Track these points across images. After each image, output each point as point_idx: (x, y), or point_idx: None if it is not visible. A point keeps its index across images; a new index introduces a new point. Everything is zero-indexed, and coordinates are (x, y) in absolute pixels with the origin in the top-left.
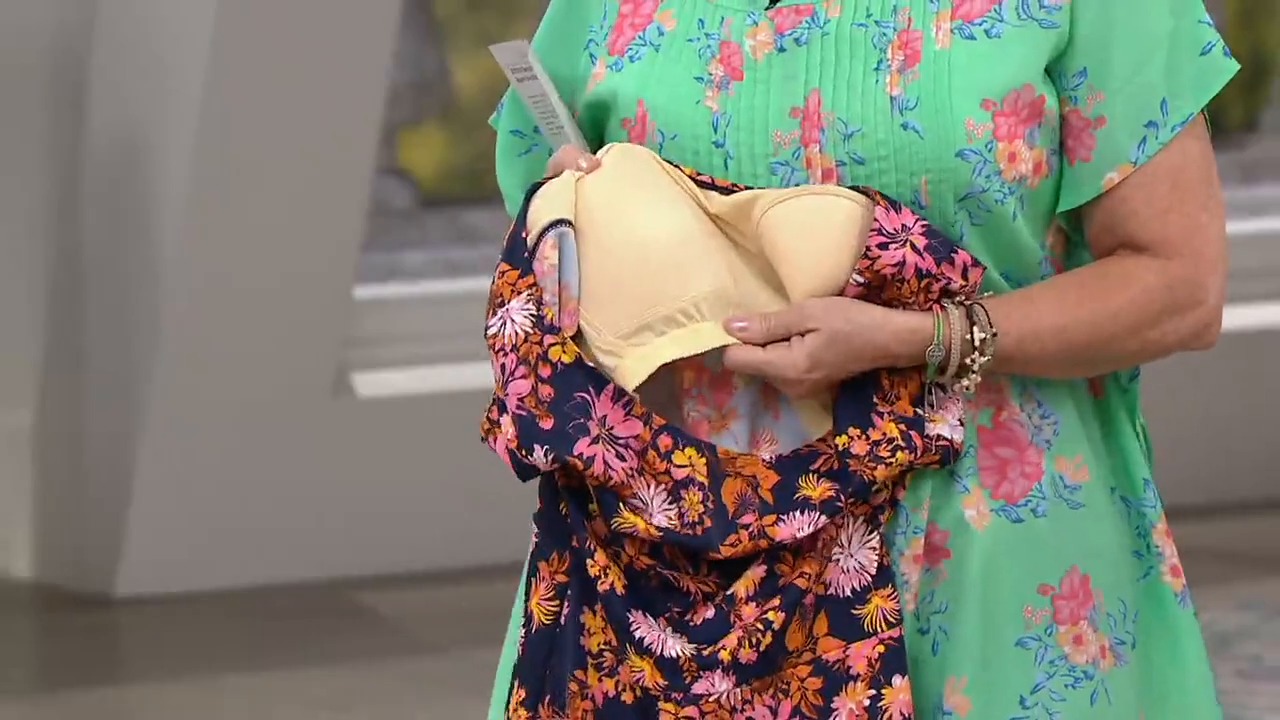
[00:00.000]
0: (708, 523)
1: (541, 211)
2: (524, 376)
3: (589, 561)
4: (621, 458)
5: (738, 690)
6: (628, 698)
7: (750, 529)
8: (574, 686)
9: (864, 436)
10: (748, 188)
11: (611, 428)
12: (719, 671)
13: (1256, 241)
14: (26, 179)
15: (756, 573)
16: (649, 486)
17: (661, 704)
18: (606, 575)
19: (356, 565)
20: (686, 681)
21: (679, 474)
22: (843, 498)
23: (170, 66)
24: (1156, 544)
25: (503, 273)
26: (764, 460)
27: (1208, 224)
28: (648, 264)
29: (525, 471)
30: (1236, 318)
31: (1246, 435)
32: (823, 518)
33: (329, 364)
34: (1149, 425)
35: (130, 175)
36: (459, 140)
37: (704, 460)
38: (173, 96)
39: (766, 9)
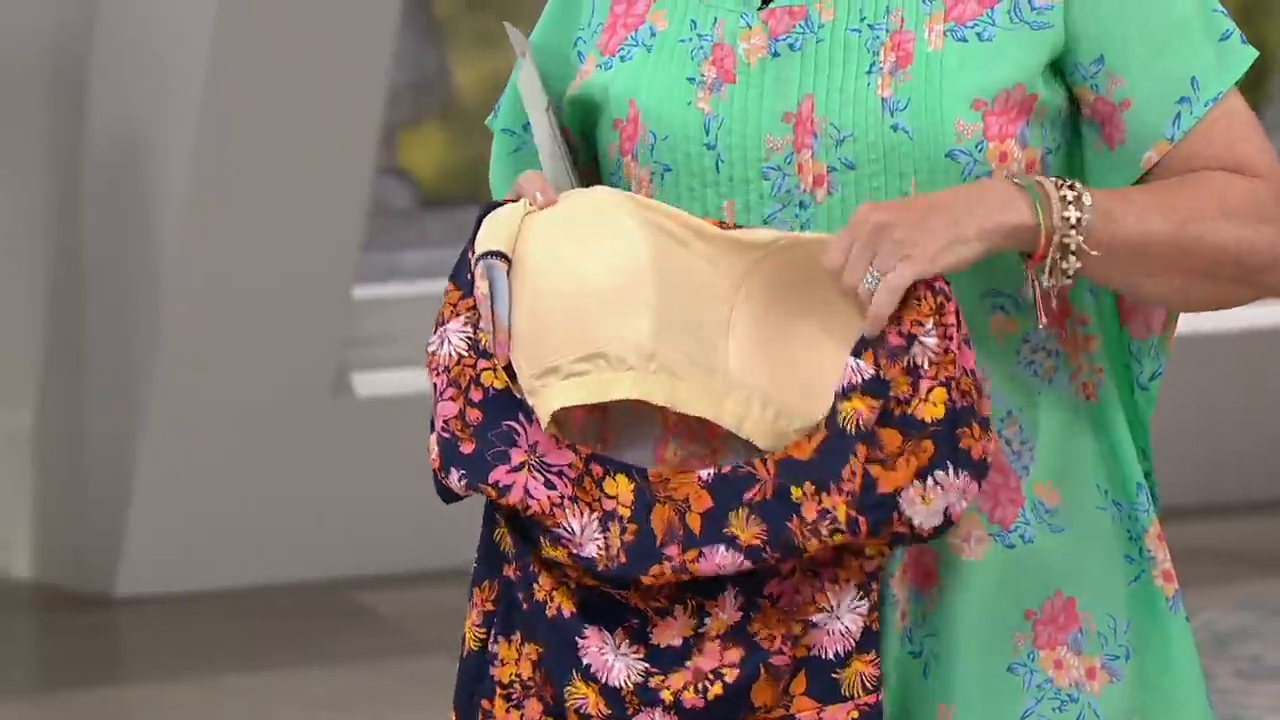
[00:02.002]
0: (622, 559)
1: (484, 238)
2: (452, 399)
3: (535, 586)
4: (551, 485)
5: None
6: None
7: (673, 562)
8: (480, 716)
9: (815, 498)
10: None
11: (543, 455)
12: (659, 710)
13: None
14: (26, 179)
15: (731, 616)
16: (583, 515)
17: None
18: (554, 599)
19: (356, 565)
20: (629, 713)
21: (608, 504)
22: (768, 550)
23: (170, 66)
24: (1149, 548)
25: (447, 291)
26: (699, 479)
27: (1276, 157)
28: (569, 309)
29: (444, 494)
30: (1236, 317)
31: (1245, 435)
32: (745, 561)
33: (329, 364)
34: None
35: (130, 175)
36: (459, 140)
37: (631, 487)
38: (173, 96)
39: (759, 9)
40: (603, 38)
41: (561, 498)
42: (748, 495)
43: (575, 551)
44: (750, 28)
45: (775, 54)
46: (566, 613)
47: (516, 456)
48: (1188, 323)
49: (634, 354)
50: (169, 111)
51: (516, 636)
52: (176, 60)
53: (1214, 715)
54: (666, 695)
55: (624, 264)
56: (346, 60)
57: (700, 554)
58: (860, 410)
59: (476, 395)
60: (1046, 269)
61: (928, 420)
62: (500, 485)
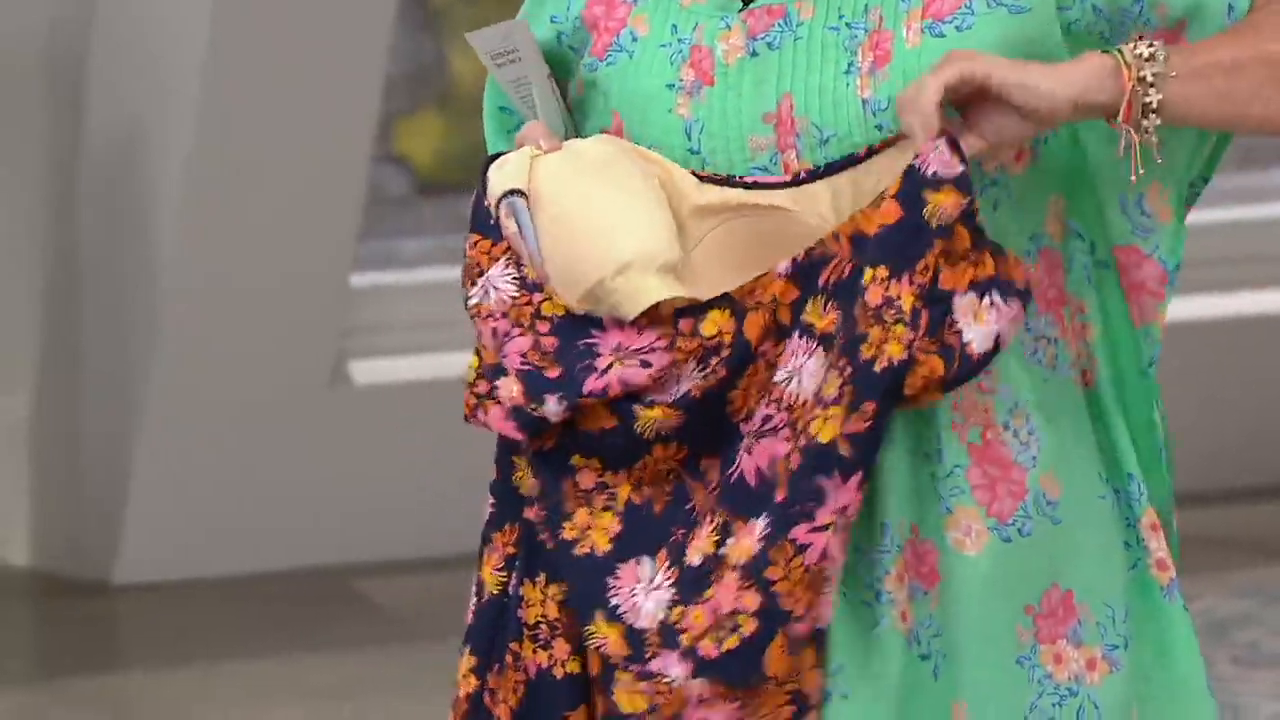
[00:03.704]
0: (721, 372)
1: (496, 183)
2: (521, 335)
3: (565, 524)
4: (647, 364)
5: (695, 682)
6: (558, 672)
7: (765, 357)
8: (509, 657)
9: (884, 284)
10: (734, 179)
11: (629, 347)
12: (676, 654)
13: (1255, 228)
14: (25, 172)
15: (753, 545)
16: (682, 367)
17: (619, 673)
18: (586, 537)
19: (354, 553)
20: (646, 656)
21: (710, 343)
22: (839, 338)
23: (167, 61)
24: (1142, 537)
25: (475, 243)
26: (779, 274)
27: None
28: (591, 231)
29: (533, 427)
30: (1235, 304)
31: (1244, 421)
32: (820, 350)
33: (327, 352)
34: None
35: (128, 168)
36: (456, 128)
37: (726, 313)
38: (170, 90)
39: (739, 10)
40: (592, 38)
41: (660, 369)
42: (823, 279)
43: (668, 405)
44: (729, 28)
45: (754, 53)
46: (599, 551)
47: (603, 362)
48: (1186, 310)
49: (652, 263)
50: (167, 104)
51: (540, 578)
52: (174, 55)
53: (1215, 704)
54: (685, 640)
55: (634, 186)
56: (343, 50)
57: (785, 345)
58: (946, 205)
59: (544, 326)
60: (1133, 106)
61: (988, 234)
62: (596, 391)
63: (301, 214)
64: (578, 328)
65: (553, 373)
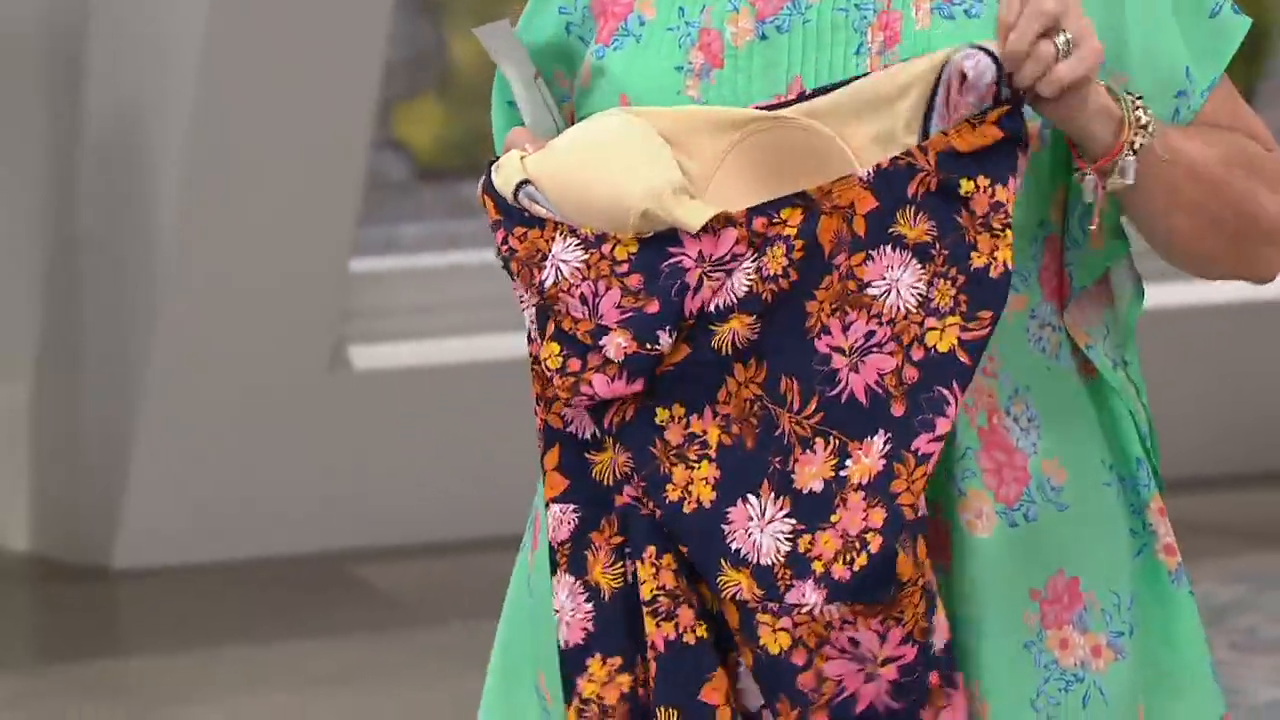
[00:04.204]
0: (793, 275)
1: (503, 184)
2: (609, 288)
3: (668, 487)
4: (728, 271)
5: (832, 607)
6: (689, 639)
7: (840, 270)
8: (636, 643)
9: (989, 191)
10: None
11: (709, 255)
12: (810, 581)
13: None
14: (23, 163)
15: (875, 463)
16: (753, 258)
17: (759, 615)
18: (690, 494)
19: (354, 537)
20: (780, 590)
21: (786, 231)
22: (938, 247)
23: (166, 46)
24: (1150, 522)
25: (522, 235)
26: (860, 180)
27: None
28: (601, 187)
29: (648, 370)
30: (1230, 291)
31: (1239, 408)
32: (914, 261)
33: (326, 337)
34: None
35: (127, 154)
36: (456, 113)
37: (799, 210)
38: (169, 77)
39: None
40: (597, 25)
41: (742, 274)
42: (910, 190)
43: (730, 300)
44: (738, 11)
45: (763, 36)
46: (706, 502)
47: (692, 278)
48: (1171, 297)
49: (676, 185)
50: (166, 91)
51: (649, 552)
52: (172, 40)
53: (1221, 691)
54: (817, 566)
55: (627, 133)
56: (343, 36)
57: (867, 257)
58: (1032, 128)
59: (623, 268)
60: (1115, 166)
61: None
62: (694, 311)
63: (301, 200)
64: (657, 250)
65: (652, 308)
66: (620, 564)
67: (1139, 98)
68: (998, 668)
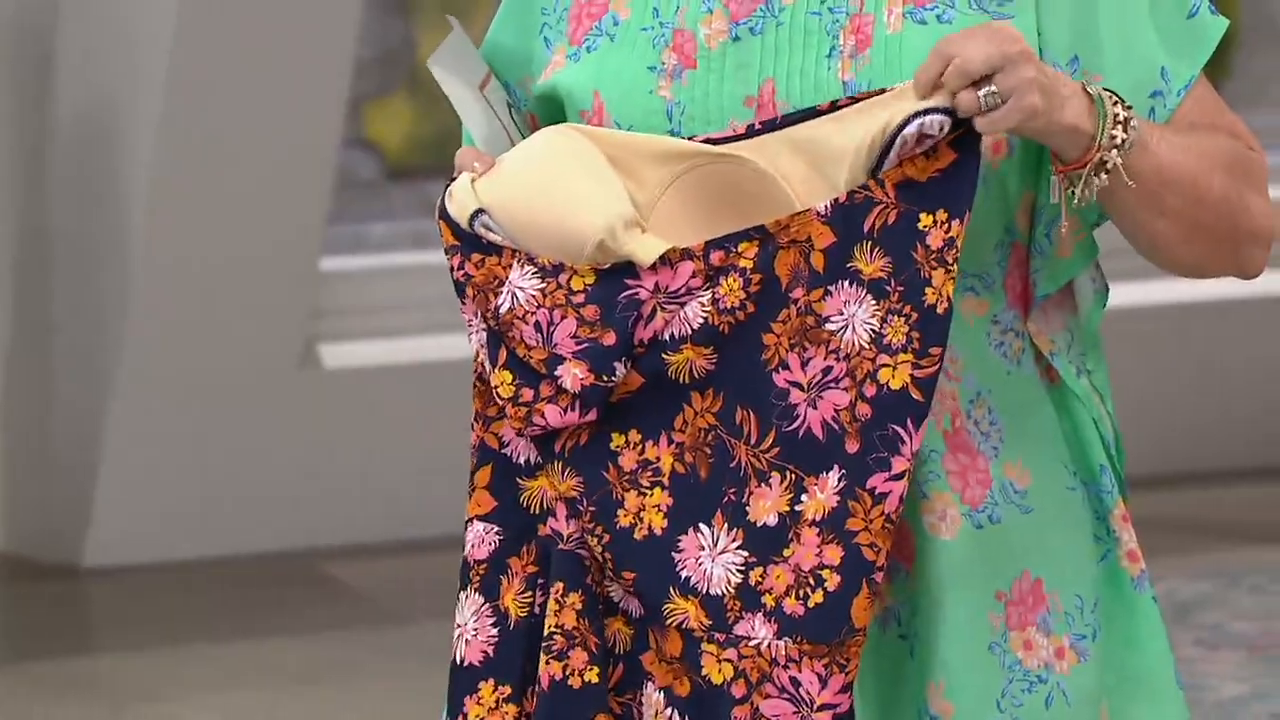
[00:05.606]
0: (750, 308)
1: (458, 213)
2: (564, 317)
3: (619, 513)
4: (682, 304)
5: (781, 643)
6: (575, 681)
7: (798, 304)
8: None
9: (944, 226)
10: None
11: (665, 286)
12: (760, 615)
13: None
14: None
15: (829, 499)
16: (709, 292)
17: (704, 645)
18: (642, 520)
19: (324, 535)
20: (729, 621)
21: (738, 262)
22: (893, 284)
23: (136, 41)
24: (1113, 528)
25: (480, 262)
26: (818, 214)
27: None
28: (553, 217)
29: (600, 401)
30: (1195, 289)
31: (1203, 405)
32: (869, 297)
33: (296, 335)
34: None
35: (97, 149)
36: (425, 112)
37: (755, 245)
38: (139, 73)
39: None
40: (569, 26)
41: (699, 309)
42: (868, 224)
43: (686, 331)
44: (711, 12)
45: (736, 38)
46: (658, 529)
47: (648, 309)
48: (1138, 295)
49: (628, 219)
50: (136, 86)
51: (558, 587)
52: (142, 35)
53: (1183, 694)
54: (768, 600)
55: (576, 158)
56: (312, 33)
57: (826, 292)
58: (988, 154)
59: (579, 298)
60: (1081, 179)
61: None
62: (647, 340)
63: (271, 197)
64: (614, 282)
65: (609, 339)
66: (530, 593)
67: (1119, 100)
68: (962, 669)
